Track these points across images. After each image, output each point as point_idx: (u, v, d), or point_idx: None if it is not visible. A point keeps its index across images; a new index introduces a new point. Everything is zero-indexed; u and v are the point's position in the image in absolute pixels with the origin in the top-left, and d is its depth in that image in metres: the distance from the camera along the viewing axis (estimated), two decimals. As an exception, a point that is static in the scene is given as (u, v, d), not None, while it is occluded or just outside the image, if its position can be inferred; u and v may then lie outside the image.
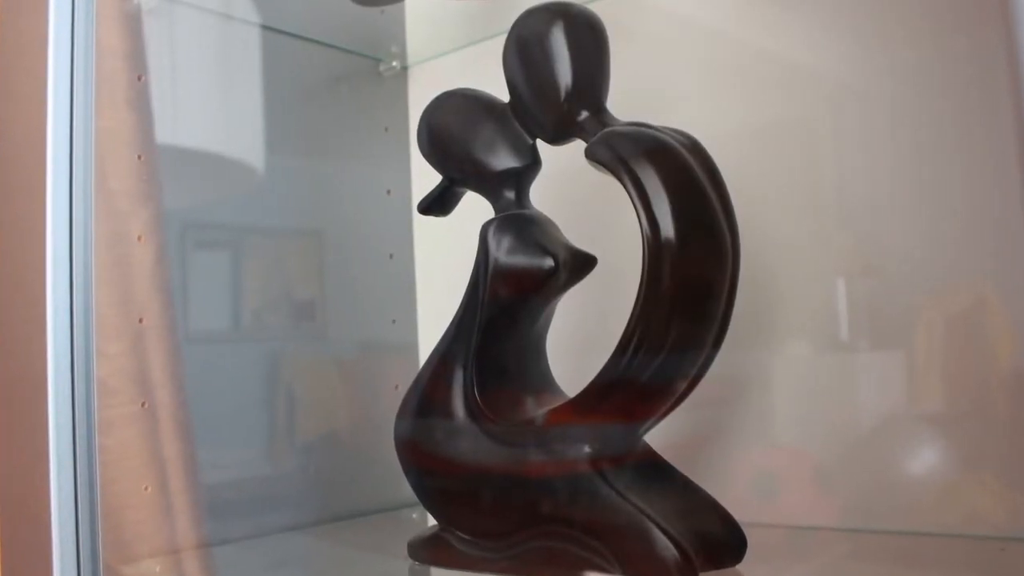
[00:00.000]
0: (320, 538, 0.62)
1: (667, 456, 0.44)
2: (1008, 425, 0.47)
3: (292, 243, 0.69)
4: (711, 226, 0.40)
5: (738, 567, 0.42)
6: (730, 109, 0.57)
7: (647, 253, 0.40)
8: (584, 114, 0.44)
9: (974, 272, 0.49)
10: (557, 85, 0.45)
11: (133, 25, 0.59)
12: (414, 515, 0.65)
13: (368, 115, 0.73)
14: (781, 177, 0.55)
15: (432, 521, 0.49)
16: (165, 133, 0.60)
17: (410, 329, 0.73)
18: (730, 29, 0.57)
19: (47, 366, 0.52)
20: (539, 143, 0.48)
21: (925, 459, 0.50)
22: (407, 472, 0.49)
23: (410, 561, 0.49)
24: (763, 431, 0.55)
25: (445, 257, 0.72)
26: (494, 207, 0.49)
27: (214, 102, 0.65)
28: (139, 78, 0.59)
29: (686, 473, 0.43)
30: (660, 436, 0.44)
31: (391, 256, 0.73)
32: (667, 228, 0.39)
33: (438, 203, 0.51)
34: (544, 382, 0.49)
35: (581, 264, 0.47)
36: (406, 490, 0.50)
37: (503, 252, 0.47)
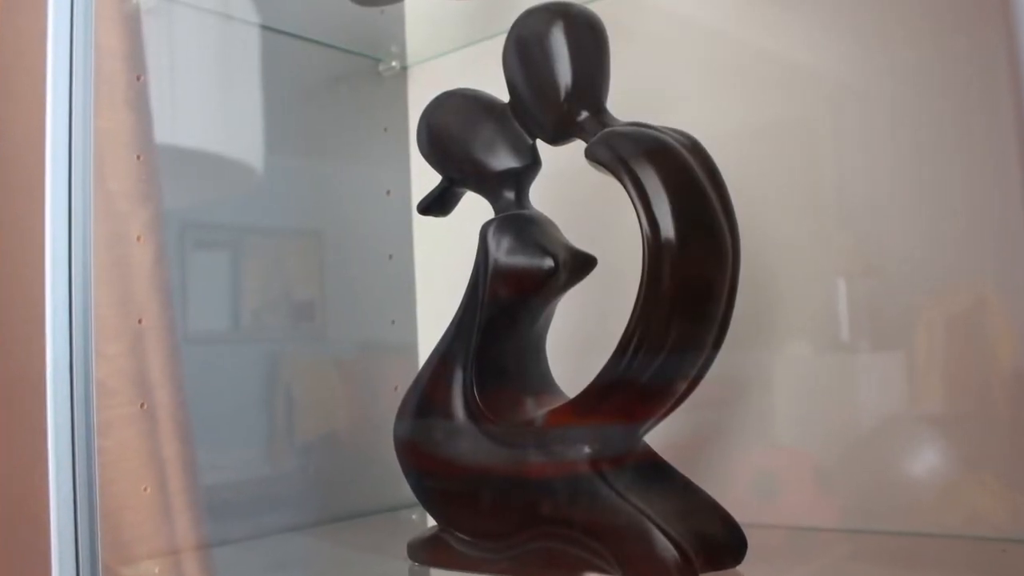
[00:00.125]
0: (319, 539, 0.62)
1: (667, 457, 0.44)
2: (1009, 425, 0.47)
3: (291, 243, 0.69)
4: (711, 226, 0.40)
5: (738, 568, 0.42)
6: (730, 109, 0.57)
7: (647, 253, 0.39)
8: (584, 114, 0.44)
9: (974, 272, 0.49)
10: (557, 85, 0.45)
11: (132, 25, 0.59)
12: (413, 516, 0.65)
13: (368, 115, 0.73)
14: (781, 177, 0.55)
15: (432, 522, 0.49)
16: (164, 133, 0.60)
17: (409, 330, 0.73)
18: (730, 29, 0.57)
19: (46, 367, 0.52)
20: (539, 143, 0.48)
21: (926, 460, 0.50)
22: (407, 473, 0.49)
23: (409, 562, 0.49)
24: (763, 432, 0.55)
25: (445, 257, 0.72)
26: (494, 207, 0.49)
27: (213, 102, 0.65)
28: (138, 78, 0.59)
29: (686, 474, 0.43)
30: (660, 437, 0.44)
31: (390, 256, 0.73)
32: (667, 228, 0.39)
33: (438, 203, 0.51)
34: (544, 383, 0.49)
35: (581, 264, 0.47)
36: (406, 491, 0.50)
37: (503, 252, 0.47)
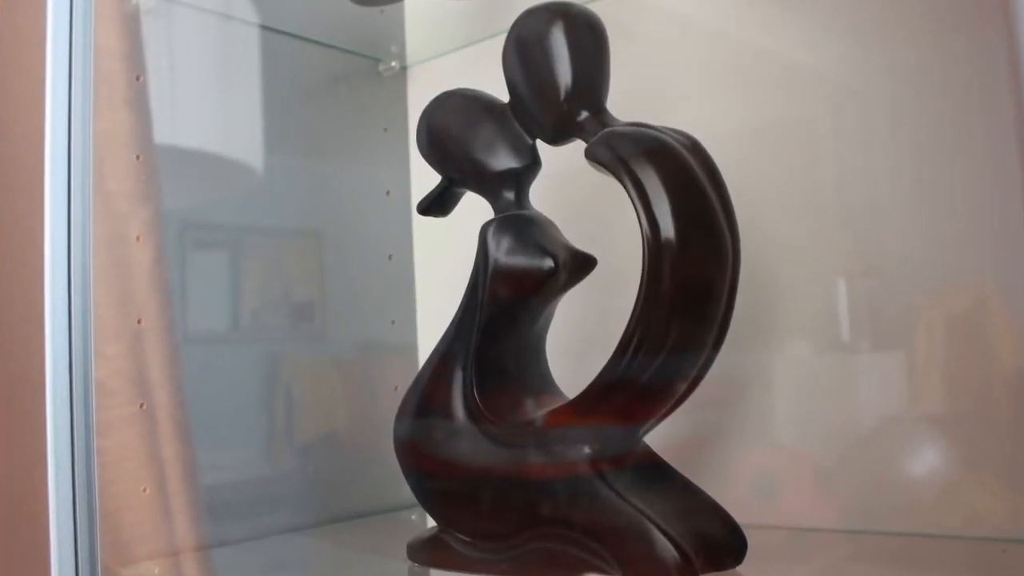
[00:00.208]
0: (319, 540, 0.62)
1: (667, 457, 0.44)
2: (1009, 425, 0.47)
3: (291, 244, 0.69)
4: (711, 226, 0.40)
5: (738, 569, 0.42)
6: (730, 109, 0.57)
7: (647, 253, 0.39)
8: (584, 114, 0.44)
9: (975, 272, 0.49)
10: (557, 85, 0.44)
11: (131, 25, 0.59)
12: (413, 516, 0.65)
13: (367, 115, 0.73)
14: (781, 177, 0.55)
15: (431, 523, 0.49)
16: (164, 133, 0.60)
17: (409, 330, 0.73)
18: (730, 29, 0.57)
19: (45, 367, 0.52)
20: (539, 143, 0.48)
21: (926, 460, 0.50)
22: (406, 473, 0.49)
23: (409, 563, 0.49)
24: (763, 432, 0.55)
25: (444, 258, 0.72)
26: (493, 207, 0.49)
27: (213, 102, 0.65)
28: (137, 78, 0.59)
29: (686, 474, 0.43)
30: (660, 437, 0.44)
31: (390, 257, 0.73)
32: (667, 228, 0.39)
33: (437, 204, 0.51)
34: (544, 383, 0.49)
35: (581, 265, 0.47)
36: (405, 491, 0.49)
37: (503, 253, 0.47)
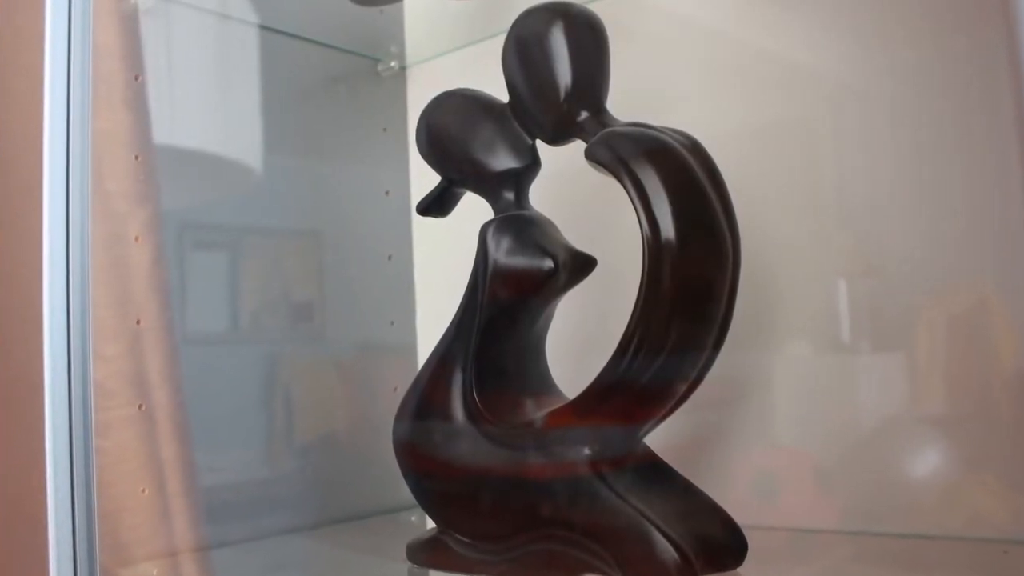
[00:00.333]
0: (318, 541, 0.62)
1: (667, 458, 0.43)
2: (1010, 426, 0.47)
3: (290, 244, 0.68)
4: (711, 226, 0.40)
5: (739, 570, 0.41)
6: (730, 109, 0.57)
7: (647, 254, 0.39)
8: (584, 114, 0.44)
9: (975, 272, 0.49)
10: (557, 85, 0.44)
11: (130, 25, 0.59)
12: (413, 518, 0.65)
13: (367, 115, 0.73)
14: (781, 177, 0.55)
15: (431, 524, 0.49)
16: (162, 133, 0.60)
17: (409, 331, 0.73)
18: (730, 29, 0.57)
19: (44, 368, 0.51)
20: (539, 143, 0.48)
21: (927, 461, 0.49)
22: (406, 474, 0.49)
23: (409, 564, 0.49)
24: (764, 433, 0.55)
25: (444, 258, 0.72)
26: (493, 208, 0.49)
27: (212, 102, 0.65)
28: (136, 78, 0.59)
29: (686, 475, 0.43)
30: (660, 438, 0.43)
31: (390, 257, 0.73)
32: (667, 228, 0.39)
33: (437, 204, 0.51)
34: (543, 384, 0.49)
35: (581, 265, 0.47)
36: (405, 492, 0.49)
37: (502, 253, 0.46)
